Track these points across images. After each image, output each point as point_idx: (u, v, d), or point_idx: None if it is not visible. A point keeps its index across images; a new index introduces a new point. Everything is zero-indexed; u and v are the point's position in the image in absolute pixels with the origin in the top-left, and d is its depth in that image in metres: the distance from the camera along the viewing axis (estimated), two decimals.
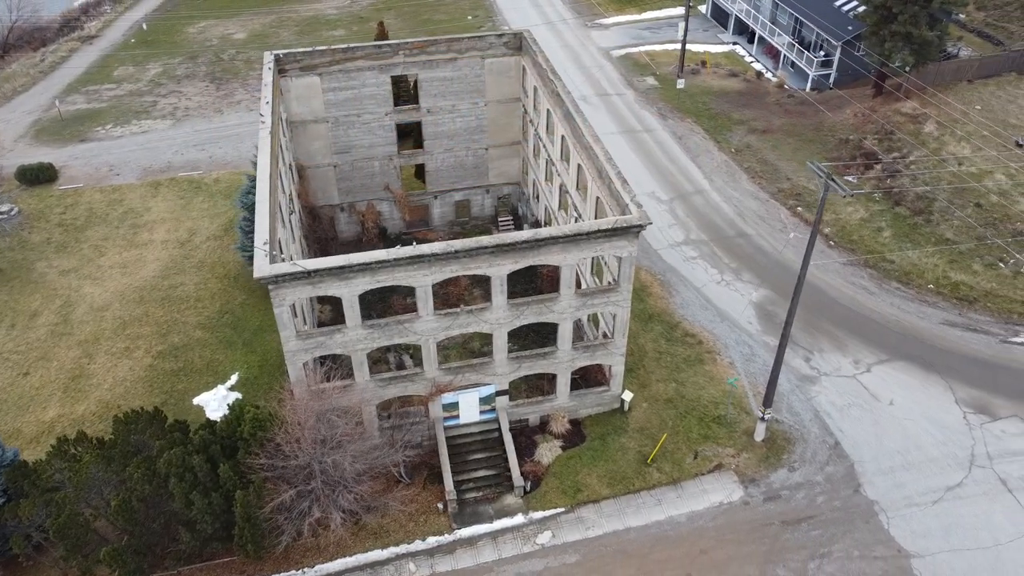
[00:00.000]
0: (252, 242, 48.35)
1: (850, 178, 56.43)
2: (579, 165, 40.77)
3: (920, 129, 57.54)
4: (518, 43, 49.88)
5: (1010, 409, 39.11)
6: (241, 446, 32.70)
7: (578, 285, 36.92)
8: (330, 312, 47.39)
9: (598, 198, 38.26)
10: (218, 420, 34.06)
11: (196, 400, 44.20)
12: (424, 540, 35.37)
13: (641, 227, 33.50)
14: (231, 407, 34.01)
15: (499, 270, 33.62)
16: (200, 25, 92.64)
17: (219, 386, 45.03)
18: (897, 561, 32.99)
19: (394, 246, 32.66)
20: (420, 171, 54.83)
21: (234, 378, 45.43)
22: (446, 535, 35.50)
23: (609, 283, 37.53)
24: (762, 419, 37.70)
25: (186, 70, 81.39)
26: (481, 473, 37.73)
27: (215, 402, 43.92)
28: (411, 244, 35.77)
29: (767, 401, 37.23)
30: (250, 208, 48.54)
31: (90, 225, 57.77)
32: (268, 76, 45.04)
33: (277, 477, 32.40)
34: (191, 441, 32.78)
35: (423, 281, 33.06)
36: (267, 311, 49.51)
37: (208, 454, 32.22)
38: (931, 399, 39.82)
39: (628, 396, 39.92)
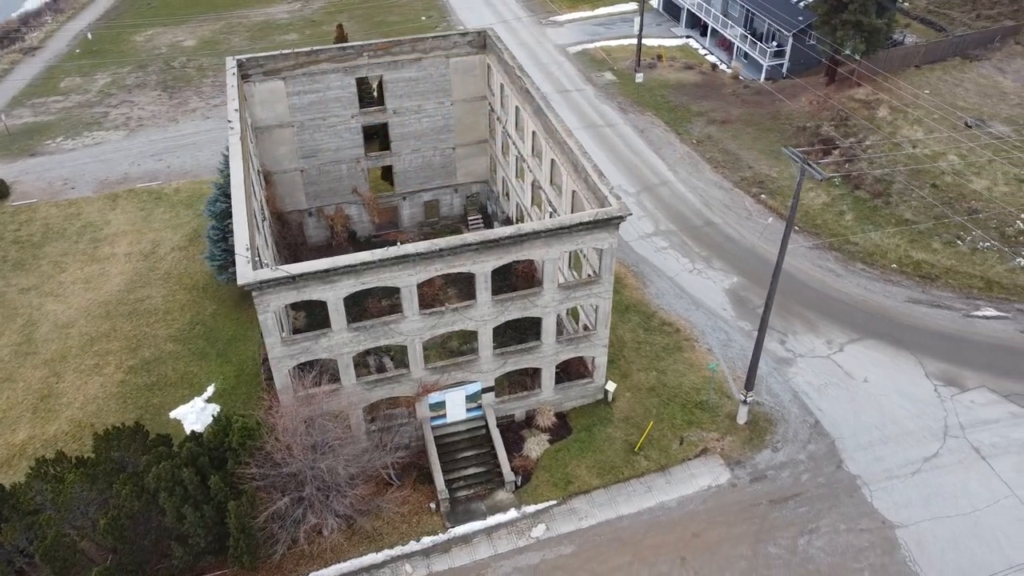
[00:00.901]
0: (221, 251, 48.07)
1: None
2: (552, 160, 41.05)
3: (874, 114, 59.24)
4: (482, 41, 49.96)
5: (977, 380, 40.56)
6: (230, 456, 32.23)
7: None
8: (304, 319, 46.95)
9: (574, 192, 38.58)
10: (204, 431, 33.44)
11: (173, 414, 43.38)
12: (419, 541, 35.30)
13: (621, 218, 33.92)
14: (217, 417, 33.49)
15: (483, 267, 33.71)
16: (147, 33, 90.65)
17: (196, 398, 44.27)
18: (882, 532, 34.01)
19: (364, 249, 32.46)
20: (388, 173, 54.56)
21: (211, 389, 44.70)
22: (440, 534, 35.48)
23: (589, 276, 37.88)
24: (744, 402, 38.46)
25: (136, 79, 79.60)
26: (471, 471, 37.78)
27: (193, 415, 43.18)
28: (395, 244, 35.66)
29: (748, 384, 38.00)
30: (218, 216, 47.92)
31: (48, 241, 56.19)
32: (232, 81, 44.37)
33: (269, 486, 32.02)
34: (178, 454, 32.19)
35: (408, 281, 32.99)
36: (239, 320, 48.95)
37: (197, 466, 31.69)
38: (903, 374, 41.08)
39: (612, 387, 40.34)
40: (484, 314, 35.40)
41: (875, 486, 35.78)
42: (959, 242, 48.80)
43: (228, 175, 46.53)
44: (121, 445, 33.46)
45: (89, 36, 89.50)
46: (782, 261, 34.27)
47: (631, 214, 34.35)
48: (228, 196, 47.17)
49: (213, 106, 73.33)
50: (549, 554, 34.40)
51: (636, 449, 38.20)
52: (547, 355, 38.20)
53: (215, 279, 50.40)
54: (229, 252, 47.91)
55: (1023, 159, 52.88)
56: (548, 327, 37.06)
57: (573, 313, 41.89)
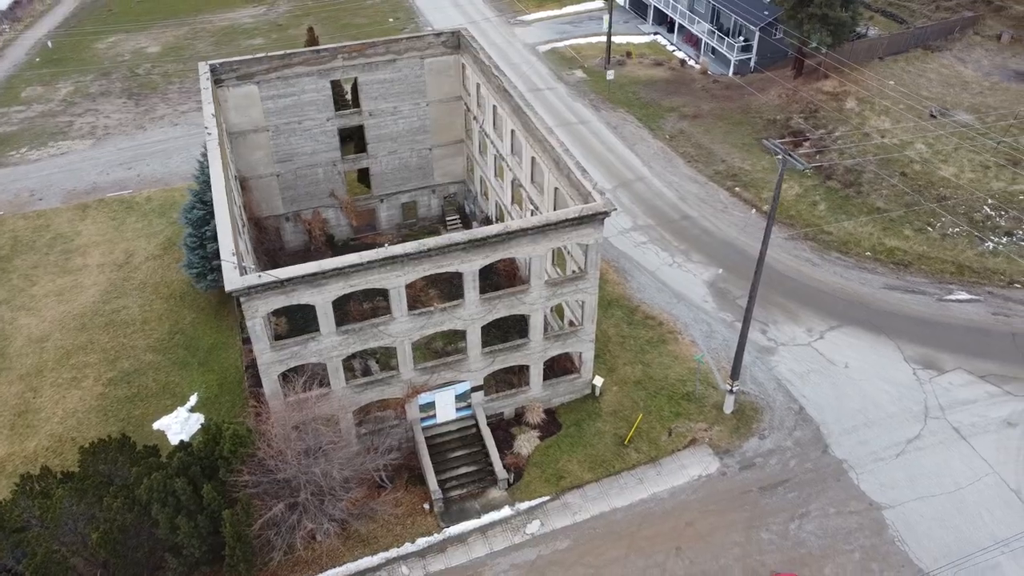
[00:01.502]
0: (199, 259, 47.46)
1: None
2: (533, 158, 41.23)
3: (842, 106, 60.34)
4: (456, 41, 49.97)
5: (954, 362, 41.56)
6: (222, 465, 31.89)
7: (527, 281, 37.09)
8: (286, 324, 46.53)
9: (556, 189, 38.80)
10: (195, 440, 33.01)
11: (156, 425, 42.80)
12: (414, 542, 35.25)
13: (606, 214, 34.19)
14: (207, 426, 33.08)
15: (471, 266, 33.77)
16: (109, 40, 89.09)
17: (179, 408, 43.72)
18: (870, 514, 34.72)
19: (343, 253, 32.37)
20: (364, 175, 54.33)
21: (194, 399, 44.18)
22: (435, 535, 35.48)
23: (574, 272, 38.11)
24: (730, 392, 38.99)
25: (100, 87, 78.21)
26: (463, 470, 37.80)
27: (177, 425, 42.64)
28: (376, 247, 35.55)
29: (734, 374, 38.53)
30: (195, 224, 47.32)
31: (16, 254, 55.02)
32: (206, 86, 43.87)
33: (262, 493, 31.75)
34: (169, 464, 31.77)
35: (396, 282, 32.93)
36: (220, 328, 48.42)
37: (189, 476, 31.31)
38: (882, 359, 41.95)
39: (599, 381, 40.64)
40: (472, 313, 35.46)
41: (861, 469, 36.51)
42: (930, 228, 49.93)
43: (205, 181, 46.27)
44: (108, 458, 32.93)
45: (49, 44, 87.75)
46: (765, 252, 34.81)
47: (616, 209, 34.67)
48: (205, 203, 46.82)
49: (181, 112, 72.35)
50: (545, 550, 34.57)
51: (626, 442, 38.53)
52: (535, 352, 38.36)
53: (193, 287, 49.80)
54: (207, 260, 47.41)
55: (987, 146, 54.24)
56: (536, 324, 37.23)
57: (558, 310, 42.10)
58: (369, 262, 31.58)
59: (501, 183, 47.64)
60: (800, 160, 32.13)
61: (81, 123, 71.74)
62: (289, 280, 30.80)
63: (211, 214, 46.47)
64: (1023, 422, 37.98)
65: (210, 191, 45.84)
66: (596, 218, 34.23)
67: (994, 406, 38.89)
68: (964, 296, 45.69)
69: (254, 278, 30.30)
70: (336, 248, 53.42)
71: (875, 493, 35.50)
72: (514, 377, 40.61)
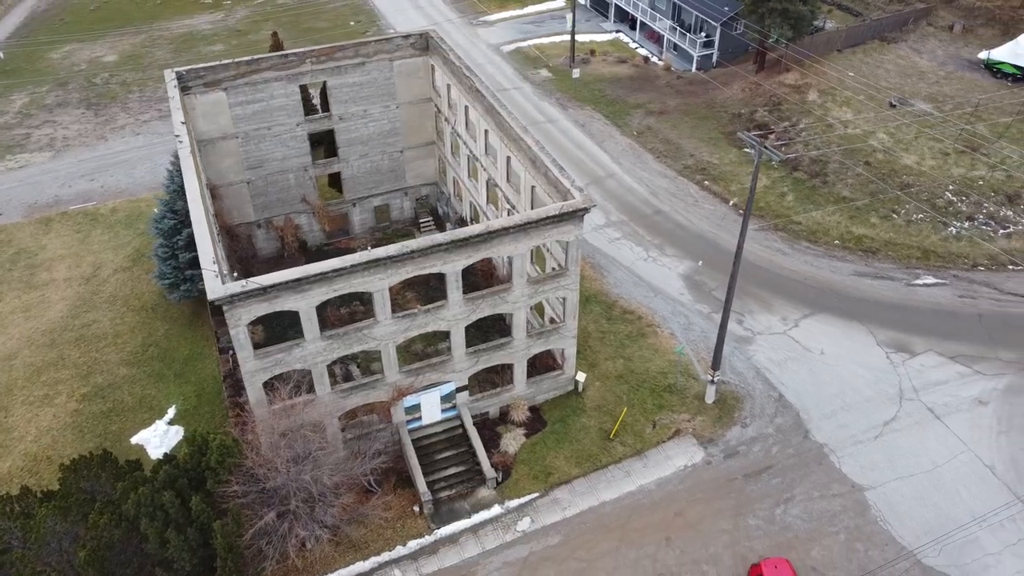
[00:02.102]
0: (171, 269, 46.77)
1: (748, 150, 59.65)
2: (508, 158, 41.37)
3: (804, 98, 61.51)
4: (425, 43, 49.92)
5: (924, 345, 42.67)
6: (209, 476, 31.50)
7: (506, 280, 37.23)
8: (263, 332, 46.05)
9: (533, 187, 38.99)
10: (180, 453, 32.53)
11: (135, 439, 42.14)
12: (405, 545, 35.20)
13: (586, 210, 34.47)
14: (193, 437, 32.63)
15: (454, 266, 33.82)
16: (64, 50, 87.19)
17: (157, 421, 43.08)
18: (853, 495, 35.52)
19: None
20: (336, 180, 53.97)
21: (172, 411, 43.58)
22: (426, 537, 35.46)
23: (554, 269, 38.35)
24: (711, 382, 39.58)
25: (57, 98, 76.52)
26: (451, 471, 37.81)
27: (156, 438, 42.02)
28: (349, 251, 35.45)
29: (715, 364, 39.12)
30: (166, 234, 46.63)
31: None
32: (174, 94, 43.28)
33: (252, 502, 31.43)
34: (155, 478, 31.29)
35: (380, 285, 32.85)
36: (194, 339, 47.78)
37: (176, 489, 30.87)
38: (856, 344, 42.90)
39: (582, 377, 40.94)
40: (456, 313, 35.51)
41: (842, 452, 37.31)
42: (895, 215, 51.14)
43: (175, 190, 45.63)
44: (90, 475, 32.33)
45: (1, 55, 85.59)
46: (743, 244, 35.40)
47: (595, 205, 34.99)
48: (176, 212, 46.18)
49: (143, 122, 71.13)
50: (536, 546, 34.75)
51: (611, 436, 38.88)
52: (519, 350, 38.52)
53: (165, 298, 49.08)
54: (180, 270, 46.77)
55: (946, 134, 55.73)
56: (519, 322, 37.39)
57: (538, 308, 42.28)
58: (352, 266, 31.46)
59: (475, 183, 47.70)
60: (775, 152, 32.70)
61: (39, 135, 70.14)
62: (272, 287, 30.53)
63: (182, 223, 46.06)
64: (994, 400, 39.15)
65: (180, 200, 45.51)
66: (576, 215, 34.50)
67: (965, 386, 40.02)
68: (931, 280, 46.91)
69: (237, 286, 30.00)
70: (309, 254, 53.03)
71: (856, 475, 36.31)
72: (496, 376, 40.73)
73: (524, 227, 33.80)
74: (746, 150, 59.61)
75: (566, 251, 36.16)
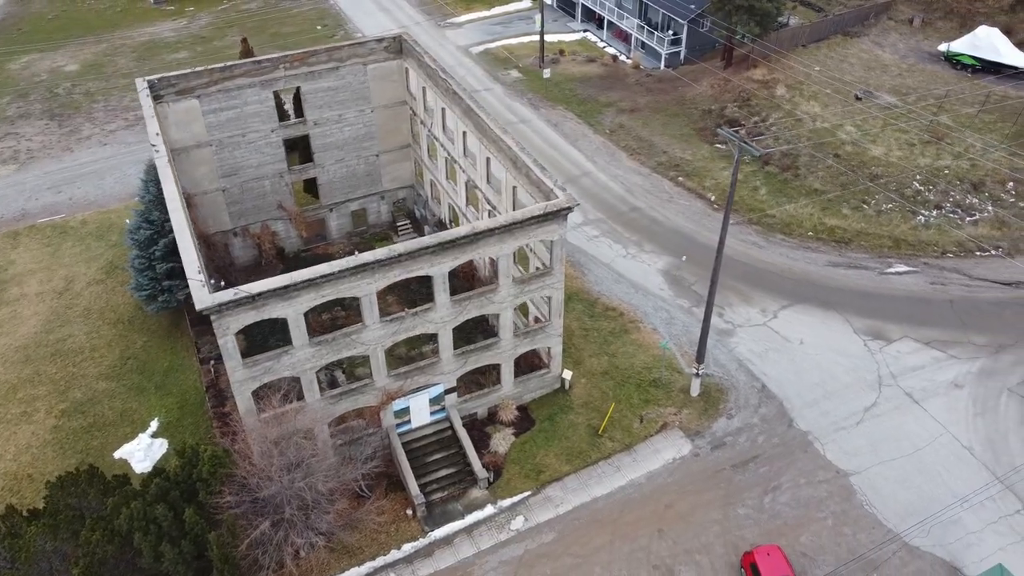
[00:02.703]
0: (148, 281, 46.14)
1: (719, 145, 60.50)
2: (488, 159, 41.54)
3: (773, 93, 62.52)
4: (399, 46, 49.92)
5: (900, 331, 43.69)
6: (201, 488, 31.27)
7: (488, 281, 37.41)
8: (243, 341, 45.64)
9: (515, 188, 39.21)
10: (171, 465, 32.17)
11: (118, 454, 41.60)
12: (400, 549, 35.22)
13: (570, 209, 34.78)
14: (183, 449, 32.31)
15: (440, 268, 33.92)
16: (22, 60, 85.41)
17: (140, 435, 42.56)
18: (838, 481, 36.29)
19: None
20: (312, 185, 53.68)
21: (154, 424, 43.07)
22: (420, 539, 35.50)
23: (538, 268, 38.60)
24: (696, 375, 40.13)
25: (18, 109, 74.98)
26: (442, 473, 37.89)
27: (140, 452, 41.50)
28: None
29: (699, 358, 39.67)
30: (142, 245, 46.00)
31: None
32: (147, 103, 42.80)
33: (246, 512, 31.23)
34: (146, 492, 30.95)
35: (367, 289, 32.82)
36: (174, 350, 47.25)
37: (168, 502, 30.57)
38: (834, 333, 43.78)
39: (568, 375, 41.24)
40: (444, 315, 35.60)
41: (825, 439, 38.08)
42: (865, 206, 52.23)
43: (150, 200, 45.06)
44: (78, 491, 31.84)
45: None
46: (724, 238, 35.97)
47: (578, 204, 35.31)
48: (151, 222, 45.63)
49: (109, 132, 70.01)
50: (531, 544, 34.98)
51: (600, 432, 39.24)
52: (506, 350, 38.71)
53: (142, 310, 48.46)
54: (157, 281, 46.18)
55: (913, 125, 57.04)
56: (505, 322, 37.57)
57: (522, 308, 42.47)
58: (341, 271, 31.41)
59: (454, 185, 47.79)
60: (754, 147, 33.28)
61: (1, 148, 68.68)
62: (261, 295, 30.36)
63: (159, 234, 45.55)
64: (969, 383, 40.23)
65: (156, 210, 45.00)
66: (560, 214, 34.78)
67: (941, 370, 41.08)
68: (903, 268, 48.03)
69: (227, 295, 29.79)
70: (287, 261, 52.69)
71: (841, 461, 37.08)
72: (483, 377, 40.85)
73: (510, 228, 34.00)
74: (718, 146, 60.45)
75: (551, 250, 36.43)
